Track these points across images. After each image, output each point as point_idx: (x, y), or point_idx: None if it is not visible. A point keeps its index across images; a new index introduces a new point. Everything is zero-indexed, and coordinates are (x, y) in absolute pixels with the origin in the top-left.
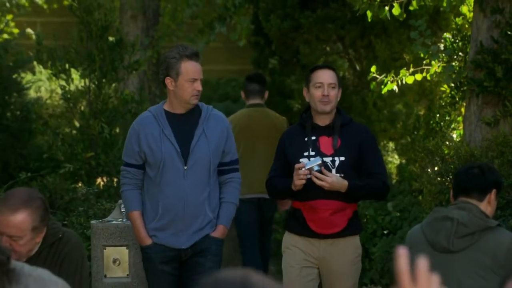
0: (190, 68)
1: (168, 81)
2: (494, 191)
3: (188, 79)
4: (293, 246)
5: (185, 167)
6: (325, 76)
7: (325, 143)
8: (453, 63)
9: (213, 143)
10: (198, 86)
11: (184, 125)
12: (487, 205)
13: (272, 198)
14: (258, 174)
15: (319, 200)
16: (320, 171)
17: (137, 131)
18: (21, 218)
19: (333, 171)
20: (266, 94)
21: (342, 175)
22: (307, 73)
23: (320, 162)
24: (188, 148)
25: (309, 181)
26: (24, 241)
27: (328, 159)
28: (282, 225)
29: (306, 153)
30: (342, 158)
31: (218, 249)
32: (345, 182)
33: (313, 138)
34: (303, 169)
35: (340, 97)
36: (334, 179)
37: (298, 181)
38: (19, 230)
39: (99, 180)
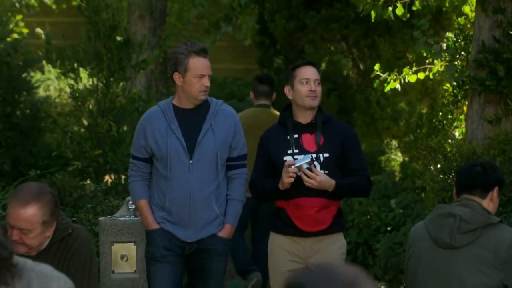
0: (198, 64)
1: (176, 76)
2: (496, 188)
3: (196, 75)
4: (278, 247)
5: (191, 162)
6: (310, 72)
7: (308, 140)
8: (456, 62)
9: (220, 138)
10: (206, 82)
11: (191, 120)
12: (490, 202)
13: (257, 200)
14: None
15: (304, 197)
16: (309, 169)
17: (144, 126)
18: (31, 212)
19: (318, 167)
20: (274, 95)
21: (327, 172)
22: (288, 71)
23: (310, 160)
24: (195, 142)
25: (295, 179)
26: (34, 234)
27: (312, 156)
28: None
29: (289, 151)
30: (326, 155)
31: (224, 249)
32: (333, 181)
33: (296, 136)
34: (293, 166)
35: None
36: (323, 178)
37: (287, 179)
38: (29, 224)
39: (107, 177)
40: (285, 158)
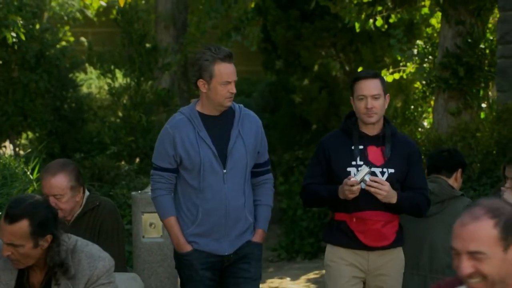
0: (223, 71)
1: (201, 83)
2: (460, 170)
3: (222, 81)
4: (339, 259)
5: (224, 171)
6: (366, 88)
7: (374, 153)
8: (424, 65)
9: (250, 145)
10: (232, 88)
11: (219, 127)
12: (454, 181)
13: (307, 206)
14: None
15: (369, 211)
16: (368, 185)
17: (171, 133)
18: (60, 179)
19: None
20: None
21: None
22: (351, 81)
23: (369, 170)
24: (225, 150)
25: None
26: (66, 198)
27: (377, 170)
28: (322, 237)
29: (354, 162)
30: (392, 170)
31: (260, 254)
32: (395, 192)
33: (361, 147)
34: (356, 186)
35: (388, 103)
36: (389, 187)
37: (352, 195)
38: (60, 189)
39: (138, 159)
40: (348, 169)
